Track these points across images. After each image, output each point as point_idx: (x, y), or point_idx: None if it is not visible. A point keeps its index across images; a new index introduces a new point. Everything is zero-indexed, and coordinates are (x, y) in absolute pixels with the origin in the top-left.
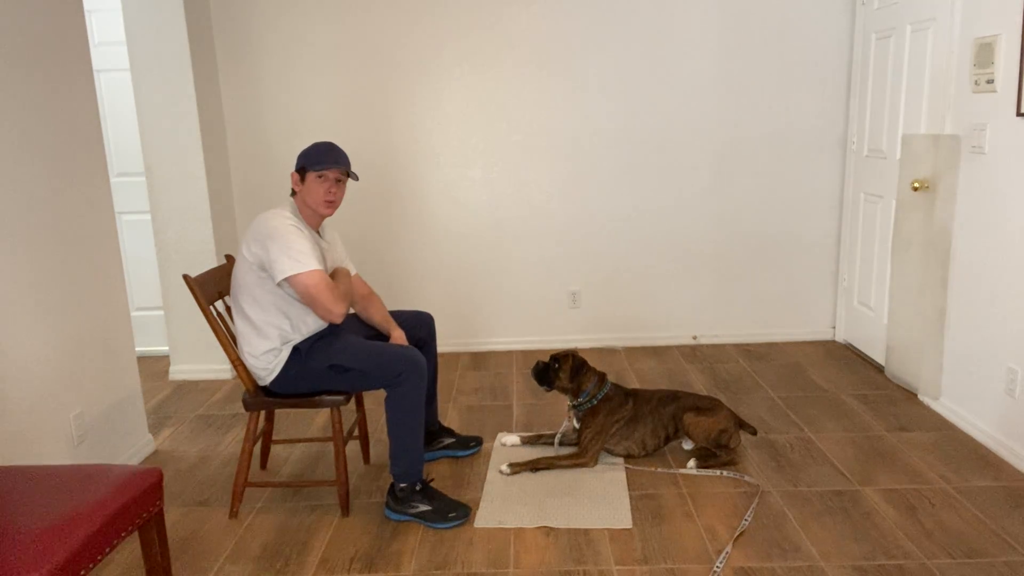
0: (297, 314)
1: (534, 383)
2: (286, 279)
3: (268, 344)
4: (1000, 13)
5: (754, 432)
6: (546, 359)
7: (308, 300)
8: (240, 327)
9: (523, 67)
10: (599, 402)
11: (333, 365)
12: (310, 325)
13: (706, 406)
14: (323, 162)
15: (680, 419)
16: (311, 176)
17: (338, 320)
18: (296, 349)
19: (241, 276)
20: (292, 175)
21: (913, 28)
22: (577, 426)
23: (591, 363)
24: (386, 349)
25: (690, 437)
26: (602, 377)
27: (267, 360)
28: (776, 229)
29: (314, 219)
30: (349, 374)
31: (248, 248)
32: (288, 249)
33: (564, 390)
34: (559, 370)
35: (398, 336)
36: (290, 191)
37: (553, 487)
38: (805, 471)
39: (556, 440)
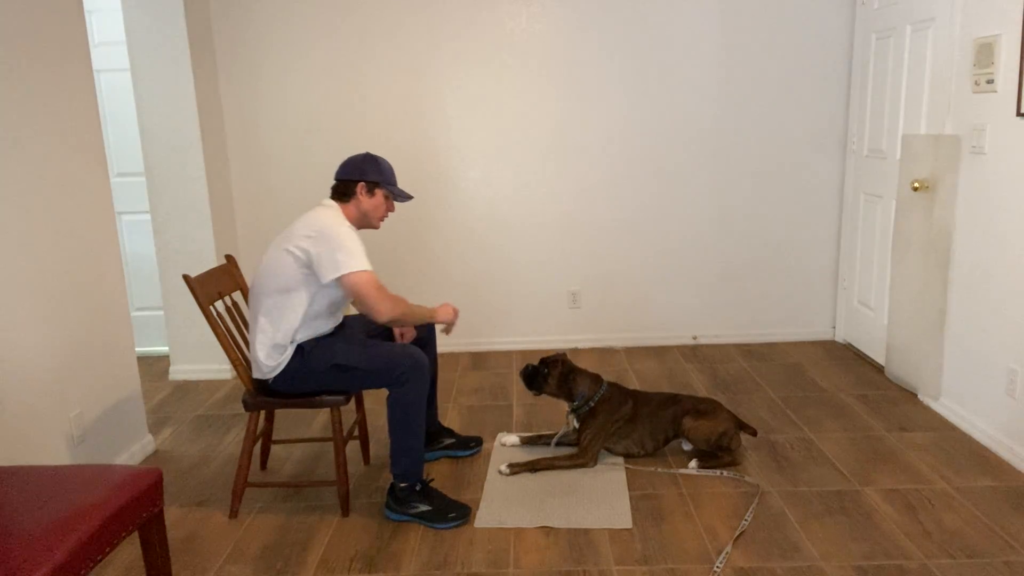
0: (316, 314)
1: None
2: (338, 277)
3: (282, 339)
4: (1000, 13)
5: (754, 433)
6: (538, 362)
7: (356, 298)
8: (261, 321)
9: (522, 68)
10: (597, 403)
11: (336, 364)
12: (319, 328)
13: (705, 409)
14: (395, 184)
15: (679, 423)
16: (382, 193)
17: (383, 319)
18: (300, 348)
19: (276, 269)
20: (360, 185)
21: (913, 28)
22: (577, 426)
23: (591, 363)
24: (389, 349)
25: (690, 441)
26: (596, 379)
27: (276, 353)
28: (776, 229)
29: (358, 226)
30: (351, 373)
31: (296, 244)
32: (342, 248)
33: (553, 395)
34: (548, 376)
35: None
36: (332, 194)
37: (553, 487)
38: (805, 471)
39: (553, 442)
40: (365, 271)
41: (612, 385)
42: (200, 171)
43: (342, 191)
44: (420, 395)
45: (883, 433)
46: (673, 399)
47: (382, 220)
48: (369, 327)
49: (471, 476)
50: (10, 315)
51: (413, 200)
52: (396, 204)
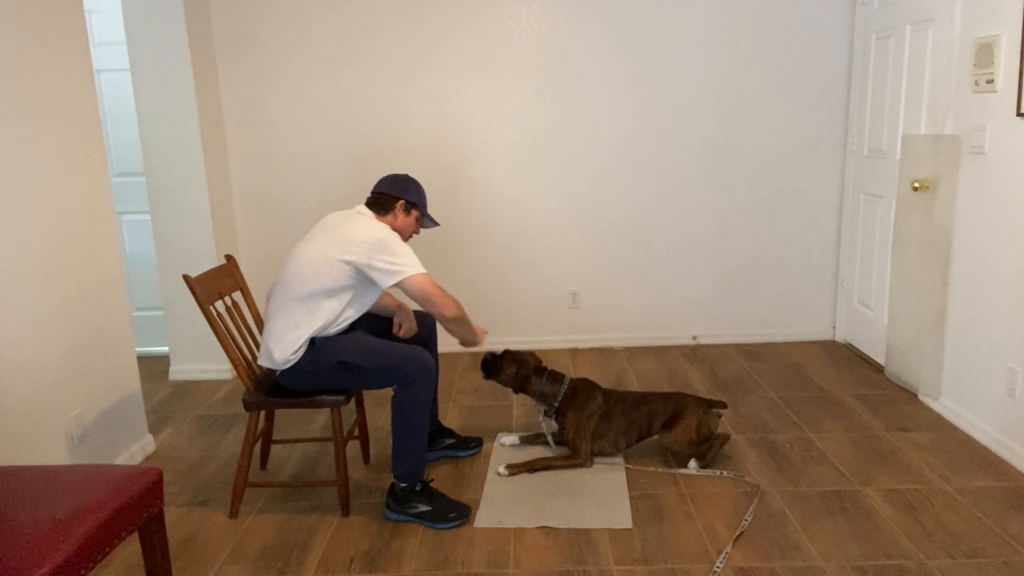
0: (351, 315)
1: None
2: (404, 280)
3: (302, 335)
4: (1000, 13)
5: (724, 406)
6: (502, 352)
7: (422, 297)
8: (296, 315)
9: (523, 67)
10: (562, 401)
11: (343, 362)
12: (340, 326)
13: (673, 412)
14: (429, 214)
15: (651, 424)
16: (416, 215)
17: (450, 314)
18: (312, 341)
19: (323, 271)
20: (401, 202)
21: (913, 28)
22: (556, 427)
23: (591, 363)
24: (396, 349)
25: (674, 452)
26: (556, 377)
27: (300, 346)
28: (776, 229)
29: None
30: (357, 372)
31: (353, 252)
32: (399, 254)
33: (505, 385)
34: (502, 368)
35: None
36: (369, 204)
37: (553, 487)
38: (805, 471)
39: (550, 440)
40: (425, 272)
41: (578, 380)
42: (200, 171)
43: (381, 204)
44: (425, 397)
45: (883, 433)
46: (643, 399)
47: (407, 240)
48: (375, 328)
49: (471, 476)
50: (10, 315)
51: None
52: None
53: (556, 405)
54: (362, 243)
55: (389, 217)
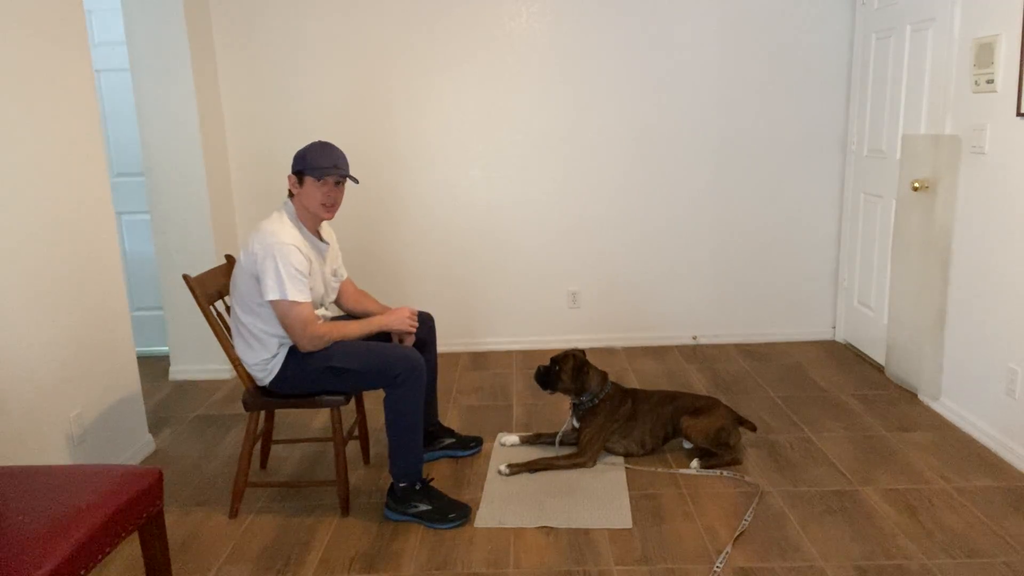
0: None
1: (535, 385)
2: (269, 301)
3: (266, 352)
4: (1000, 13)
5: (753, 428)
6: (546, 362)
7: (282, 325)
8: (241, 331)
9: (523, 66)
10: (600, 402)
11: (331, 366)
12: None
13: (703, 406)
14: (321, 166)
15: (678, 421)
16: (309, 180)
17: (303, 350)
18: (292, 349)
19: (240, 285)
20: (289, 178)
21: (913, 28)
22: (576, 425)
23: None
24: (384, 350)
25: (689, 439)
26: (604, 377)
27: (264, 363)
28: (776, 229)
29: (313, 221)
30: (347, 375)
31: (247, 257)
32: (279, 272)
33: (567, 391)
34: (560, 372)
35: (395, 316)
36: (287, 192)
37: (553, 487)
38: (805, 471)
39: (556, 440)
40: (293, 301)
41: (615, 385)
42: (200, 171)
43: (289, 192)
44: (416, 397)
45: (883, 433)
46: (672, 397)
47: (328, 207)
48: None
49: (471, 476)
50: (10, 315)
51: (413, 199)
52: (398, 203)
53: (595, 403)
54: (254, 251)
55: (296, 200)
